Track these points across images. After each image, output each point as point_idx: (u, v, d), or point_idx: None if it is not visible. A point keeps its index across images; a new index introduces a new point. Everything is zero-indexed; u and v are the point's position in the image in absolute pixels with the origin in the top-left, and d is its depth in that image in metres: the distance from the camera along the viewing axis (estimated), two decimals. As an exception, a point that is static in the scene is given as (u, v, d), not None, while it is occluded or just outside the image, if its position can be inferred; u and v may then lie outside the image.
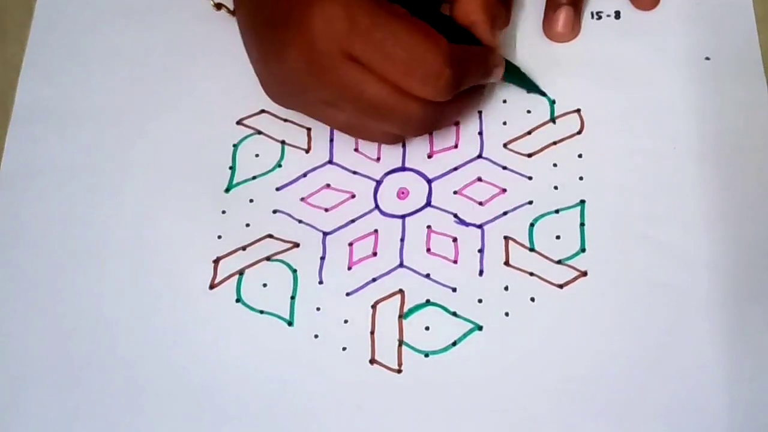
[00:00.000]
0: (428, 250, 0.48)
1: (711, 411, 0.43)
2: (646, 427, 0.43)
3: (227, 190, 0.50)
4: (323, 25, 0.42)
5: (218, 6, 0.53)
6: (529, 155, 0.50)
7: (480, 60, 0.47)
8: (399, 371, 0.45)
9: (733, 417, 0.43)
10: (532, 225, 0.48)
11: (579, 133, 0.50)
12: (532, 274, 0.47)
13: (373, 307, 0.47)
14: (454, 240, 0.48)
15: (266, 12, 0.45)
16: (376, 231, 0.48)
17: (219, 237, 0.49)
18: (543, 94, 0.51)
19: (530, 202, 0.48)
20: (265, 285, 0.48)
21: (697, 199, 0.48)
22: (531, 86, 0.51)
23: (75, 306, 0.48)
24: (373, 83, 0.43)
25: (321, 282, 0.47)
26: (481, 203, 0.49)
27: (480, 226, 0.48)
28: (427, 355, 0.46)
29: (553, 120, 0.50)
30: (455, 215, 0.48)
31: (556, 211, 0.48)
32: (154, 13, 0.55)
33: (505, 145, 0.50)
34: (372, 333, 0.46)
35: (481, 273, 0.47)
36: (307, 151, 0.51)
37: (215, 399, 0.45)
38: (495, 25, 0.48)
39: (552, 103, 0.51)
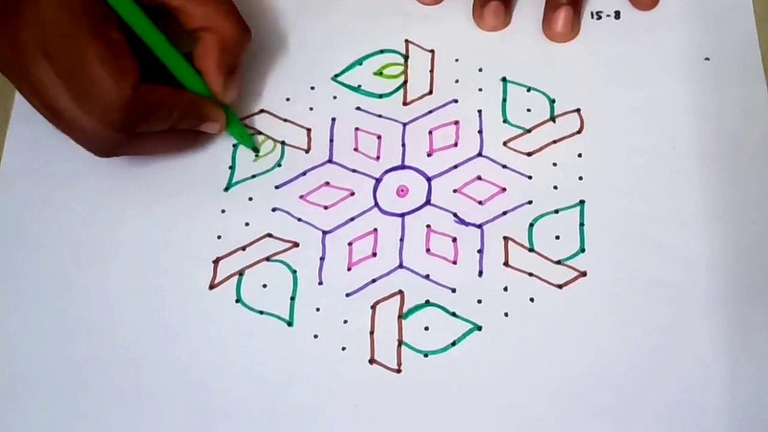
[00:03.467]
0: (428, 250, 0.48)
1: (711, 410, 0.43)
2: (646, 427, 0.43)
3: (227, 189, 0.50)
4: (29, 19, 0.42)
5: None
6: (529, 154, 0.50)
7: (185, 108, 0.47)
8: (398, 371, 0.45)
9: (733, 416, 0.43)
10: (531, 225, 0.48)
11: (579, 132, 0.50)
12: (531, 274, 0.47)
13: (373, 307, 0.47)
14: (454, 240, 0.48)
15: None
16: (375, 230, 0.48)
17: (219, 237, 0.49)
18: (256, 151, 0.51)
19: (530, 202, 0.48)
20: (264, 285, 0.48)
21: (696, 199, 0.48)
22: (249, 145, 0.51)
23: (75, 306, 0.48)
24: (57, 88, 0.43)
25: (321, 283, 0.47)
26: (480, 202, 0.49)
27: (479, 226, 0.48)
28: (426, 355, 0.46)
29: (553, 119, 0.50)
30: (455, 215, 0.48)
31: (556, 211, 0.48)
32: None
33: (504, 143, 0.50)
34: (371, 333, 0.46)
35: (480, 273, 0.47)
36: (307, 151, 0.51)
37: (215, 399, 0.45)
38: (230, 78, 0.47)
39: (552, 102, 0.51)
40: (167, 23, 0.46)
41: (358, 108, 0.52)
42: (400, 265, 0.47)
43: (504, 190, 0.49)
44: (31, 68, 0.43)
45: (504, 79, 0.51)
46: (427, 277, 0.47)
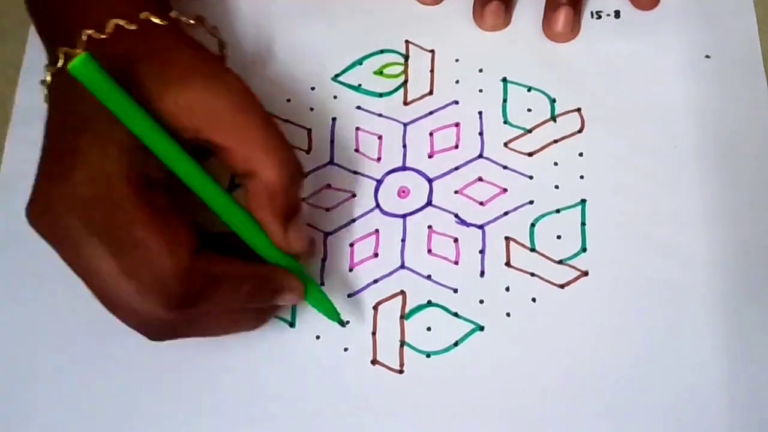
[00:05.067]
0: (429, 251, 0.48)
1: (711, 409, 0.43)
2: (647, 426, 0.44)
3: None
4: (65, 197, 0.38)
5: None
6: (530, 154, 0.50)
7: (253, 282, 0.41)
8: (401, 372, 0.46)
9: (733, 415, 0.43)
10: (533, 225, 0.48)
11: (579, 132, 0.50)
12: (533, 274, 0.47)
13: (375, 308, 0.47)
14: (455, 240, 0.48)
15: (43, 147, 0.40)
16: (377, 231, 0.48)
17: (221, 238, 0.49)
18: (342, 324, 0.46)
19: (531, 202, 0.48)
20: None
21: (697, 198, 0.48)
22: (335, 318, 0.45)
23: (76, 307, 0.48)
24: (106, 266, 0.38)
25: (322, 283, 0.47)
26: (481, 203, 0.49)
27: (481, 227, 0.48)
28: (428, 356, 0.46)
29: (553, 119, 0.50)
30: (456, 215, 0.48)
31: (557, 211, 0.48)
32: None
33: (505, 144, 0.50)
34: (374, 334, 0.46)
35: (482, 274, 0.47)
36: (308, 151, 0.51)
37: (217, 400, 0.45)
38: (290, 224, 0.42)
39: (552, 101, 0.51)
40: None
41: (358, 107, 0.52)
42: (402, 266, 0.47)
43: (505, 190, 0.49)
44: (79, 250, 0.38)
45: (504, 80, 0.51)
46: (428, 277, 0.47)
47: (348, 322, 0.46)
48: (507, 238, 0.48)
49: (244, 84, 0.41)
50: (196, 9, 0.47)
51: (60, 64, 0.41)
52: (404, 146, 0.50)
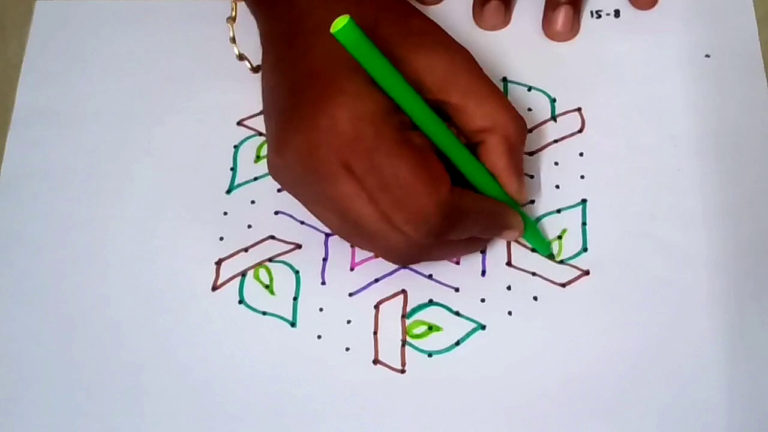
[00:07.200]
0: (431, 250, 0.48)
1: (712, 408, 0.44)
2: (647, 425, 0.44)
3: (228, 192, 0.50)
4: (327, 131, 0.40)
5: (241, 57, 0.51)
6: (531, 154, 0.50)
7: (489, 216, 0.44)
8: (402, 371, 0.45)
9: (733, 414, 0.43)
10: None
11: (580, 131, 0.50)
12: (534, 273, 0.47)
13: (376, 307, 0.47)
14: (456, 240, 0.48)
15: (284, 94, 0.42)
16: (377, 231, 0.48)
17: (221, 239, 0.49)
18: (552, 257, 0.48)
19: (532, 202, 0.48)
20: (267, 286, 0.48)
21: (697, 197, 0.48)
22: (545, 252, 0.48)
23: (77, 309, 0.48)
24: (362, 203, 0.40)
25: (323, 283, 0.47)
26: (482, 203, 0.49)
27: (482, 226, 0.48)
28: (430, 355, 0.46)
29: (554, 118, 0.50)
30: (457, 215, 0.48)
31: (558, 211, 0.48)
32: (154, 15, 0.54)
33: (506, 144, 0.50)
34: (375, 333, 0.46)
35: (483, 273, 0.47)
36: (309, 152, 0.51)
37: (218, 400, 0.45)
38: (521, 178, 0.45)
39: (553, 101, 0.51)
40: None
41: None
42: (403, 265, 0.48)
43: (506, 190, 0.49)
44: (332, 183, 0.40)
45: (504, 79, 0.51)
46: (430, 276, 0.47)
47: (554, 257, 0.47)
48: (508, 237, 0.48)
49: (469, 51, 0.44)
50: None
51: None
52: (405, 146, 0.50)
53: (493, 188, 0.44)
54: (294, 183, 0.43)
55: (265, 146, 0.50)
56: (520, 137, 0.44)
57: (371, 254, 0.48)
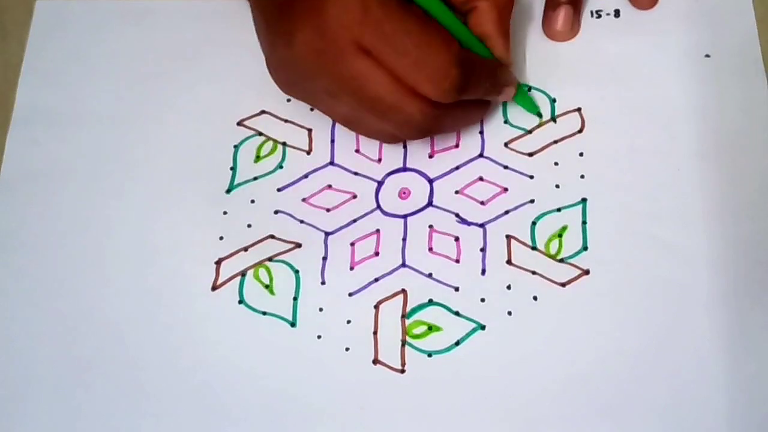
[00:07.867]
0: (430, 249, 0.48)
1: (712, 408, 0.43)
2: (647, 425, 0.44)
3: (228, 191, 0.50)
4: (336, 12, 0.41)
5: None
6: (530, 154, 0.50)
7: (490, 73, 0.47)
8: (402, 371, 0.45)
9: (733, 414, 0.43)
10: (534, 223, 0.48)
11: (580, 131, 0.50)
12: (534, 272, 0.47)
13: (376, 307, 0.47)
14: (456, 239, 0.48)
15: None
16: (377, 231, 0.48)
17: (221, 238, 0.49)
18: (539, 115, 0.51)
19: (532, 201, 0.48)
20: (267, 286, 0.48)
21: (697, 197, 0.48)
22: (534, 111, 0.50)
23: (77, 308, 0.48)
24: (378, 77, 0.42)
25: (323, 282, 0.47)
26: (482, 203, 0.49)
27: (482, 225, 0.48)
28: (430, 355, 0.46)
29: (553, 119, 0.50)
30: (457, 215, 0.48)
31: (558, 210, 0.48)
32: (154, 14, 0.55)
33: (506, 145, 0.50)
34: (375, 333, 0.46)
35: (483, 272, 0.47)
36: (309, 152, 0.51)
37: (218, 400, 0.45)
38: (509, 42, 0.47)
39: (553, 101, 0.51)
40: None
41: (359, 107, 0.52)
42: (403, 264, 0.47)
43: (506, 190, 0.49)
44: (345, 63, 0.42)
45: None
46: (430, 275, 0.47)
47: (541, 116, 0.50)
48: (508, 237, 0.48)
49: None
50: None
51: None
52: (404, 146, 0.50)
53: (483, 53, 0.47)
54: (303, 75, 0.44)
55: (265, 146, 0.51)
56: (508, 2, 0.47)
57: (371, 254, 0.48)
